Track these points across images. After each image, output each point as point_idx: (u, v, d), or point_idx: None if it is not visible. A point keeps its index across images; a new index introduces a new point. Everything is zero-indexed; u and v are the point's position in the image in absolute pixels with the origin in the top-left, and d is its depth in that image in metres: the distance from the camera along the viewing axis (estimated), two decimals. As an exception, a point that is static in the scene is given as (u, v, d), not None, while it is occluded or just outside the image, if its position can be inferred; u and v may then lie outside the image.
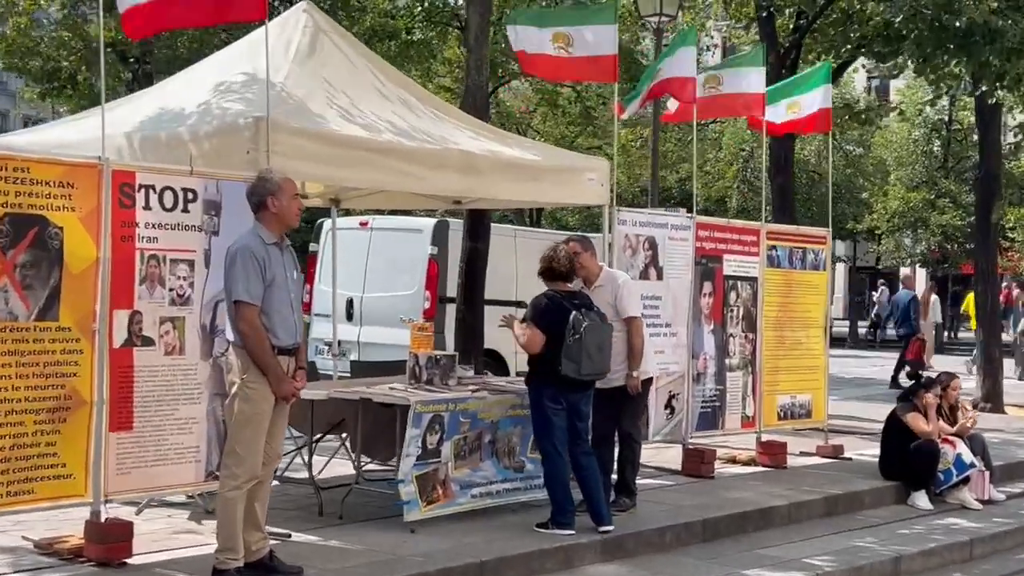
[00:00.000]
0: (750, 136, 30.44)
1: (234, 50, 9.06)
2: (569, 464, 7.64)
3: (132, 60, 20.66)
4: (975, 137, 40.41)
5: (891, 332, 25.77)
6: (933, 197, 36.87)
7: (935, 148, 38.53)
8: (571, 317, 7.43)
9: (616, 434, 8.42)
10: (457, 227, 13.01)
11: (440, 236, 13.34)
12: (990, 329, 17.93)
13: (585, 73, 10.34)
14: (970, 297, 24.68)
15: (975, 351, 19.23)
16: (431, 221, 13.83)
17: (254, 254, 6.10)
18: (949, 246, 38.04)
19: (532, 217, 30.26)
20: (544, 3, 21.24)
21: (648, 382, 8.61)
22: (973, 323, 23.15)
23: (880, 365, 23.94)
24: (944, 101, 29.80)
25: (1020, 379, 19.73)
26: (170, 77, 9.68)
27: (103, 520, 6.47)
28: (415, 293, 13.27)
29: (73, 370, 6.32)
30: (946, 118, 36.98)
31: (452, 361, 8.39)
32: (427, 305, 13.04)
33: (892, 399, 11.97)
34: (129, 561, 6.39)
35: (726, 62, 11.68)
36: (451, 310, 12.44)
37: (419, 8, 20.99)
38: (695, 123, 10.96)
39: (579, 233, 9.15)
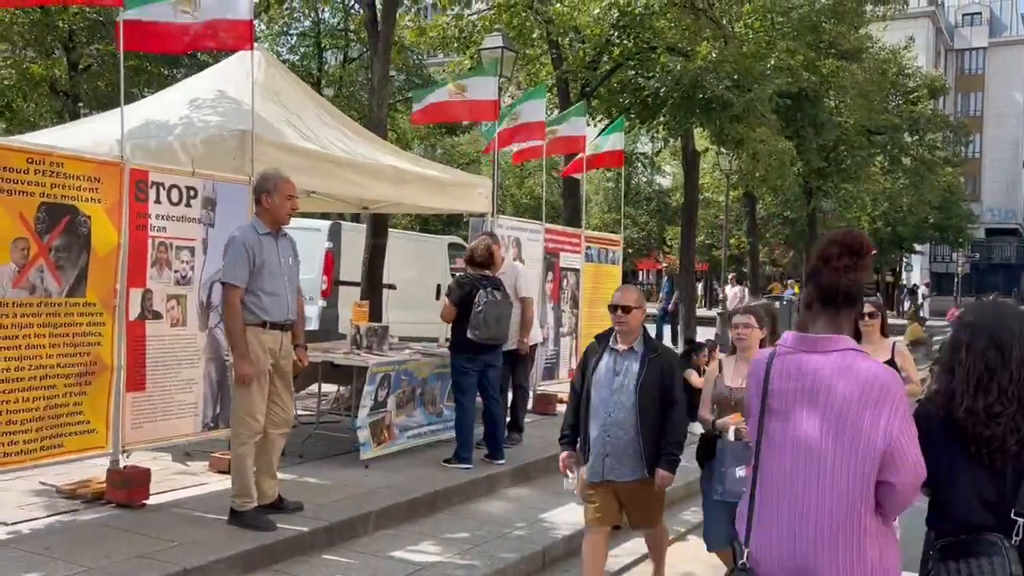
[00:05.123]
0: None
1: (204, 77, 7.70)
2: (473, 412, 6.80)
3: (62, 93, 18.26)
4: (644, 179, 42.54)
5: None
6: (619, 217, 38.28)
7: (620, 184, 39.98)
8: (477, 295, 6.64)
9: (510, 384, 7.67)
10: (349, 228, 11.93)
11: (335, 233, 12.10)
12: (690, 303, 18.42)
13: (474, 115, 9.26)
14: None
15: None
16: (327, 222, 12.46)
17: (244, 243, 4.98)
18: (628, 251, 39.83)
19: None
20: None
21: (535, 347, 7.90)
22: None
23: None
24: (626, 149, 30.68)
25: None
26: (145, 99, 8.17)
27: (122, 467, 5.22)
28: (315, 277, 11.98)
29: (97, 340, 5.06)
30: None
31: (386, 331, 7.39)
32: (324, 286, 11.80)
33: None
34: (147, 502, 5.19)
35: (561, 116, 10.95)
36: (343, 291, 11.35)
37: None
38: (544, 159, 10.23)
39: (489, 230, 8.12)
